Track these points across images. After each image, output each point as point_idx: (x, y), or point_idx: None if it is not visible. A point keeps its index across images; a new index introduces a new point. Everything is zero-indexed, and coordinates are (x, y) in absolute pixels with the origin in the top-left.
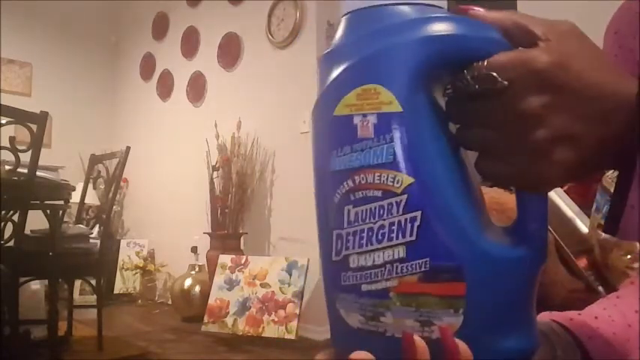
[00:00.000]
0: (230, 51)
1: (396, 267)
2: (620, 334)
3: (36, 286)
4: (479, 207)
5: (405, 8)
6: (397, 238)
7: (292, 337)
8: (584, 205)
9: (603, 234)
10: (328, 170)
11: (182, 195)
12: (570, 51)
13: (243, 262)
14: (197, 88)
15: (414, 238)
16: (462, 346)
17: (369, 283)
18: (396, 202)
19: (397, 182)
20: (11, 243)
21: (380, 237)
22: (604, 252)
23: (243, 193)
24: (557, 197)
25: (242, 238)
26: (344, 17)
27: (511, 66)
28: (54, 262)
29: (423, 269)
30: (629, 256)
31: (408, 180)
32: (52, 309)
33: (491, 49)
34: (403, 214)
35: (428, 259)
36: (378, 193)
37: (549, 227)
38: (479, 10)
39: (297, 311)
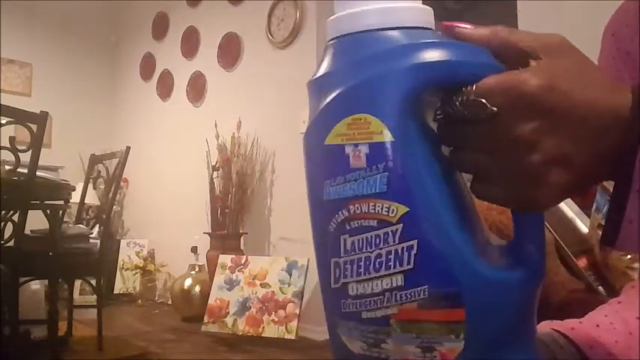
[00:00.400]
0: (230, 51)
1: (395, 295)
2: (622, 342)
3: (36, 286)
4: (475, 229)
5: (394, 33)
6: (395, 266)
7: (292, 337)
8: (584, 205)
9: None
10: (322, 199)
11: (182, 195)
12: (560, 69)
13: (243, 262)
14: (197, 88)
15: (411, 266)
16: None
17: (368, 311)
18: (392, 231)
19: (392, 212)
20: (11, 243)
21: (377, 265)
22: (604, 252)
23: (243, 193)
24: None
25: (242, 238)
26: (330, 42)
27: (499, 91)
28: (54, 262)
29: (421, 297)
30: (629, 256)
31: (402, 209)
32: (52, 309)
33: (482, 74)
34: (399, 242)
35: (426, 286)
36: (374, 223)
37: (549, 227)
38: (465, 28)
39: (297, 311)
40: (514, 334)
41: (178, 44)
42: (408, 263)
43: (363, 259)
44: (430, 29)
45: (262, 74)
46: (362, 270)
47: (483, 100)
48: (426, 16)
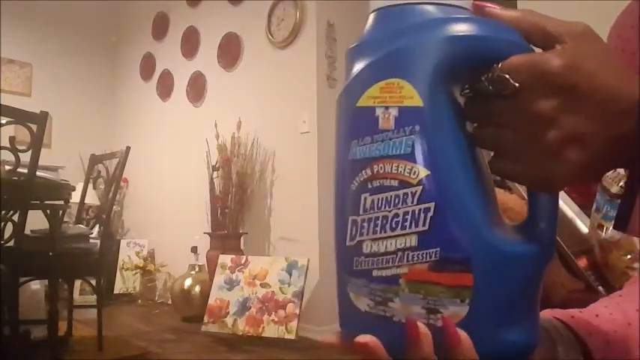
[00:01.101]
0: (230, 51)
1: (407, 255)
2: (620, 332)
3: (36, 286)
4: (491, 203)
5: (430, 8)
6: (410, 227)
7: (292, 337)
8: (584, 205)
9: (603, 234)
10: (348, 158)
11: (182, 195)
12: (583, 53)
13: (243, 262)
14: (197, 88)
15: (426, 228)
16: (463, 335)
17: (380, 269)
18: (412, 192)
19: (413, 173)
20: (11, 243)
21: (394, 225)
22: (604, 252)
23: (243, 193)
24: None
25: (242, 238)
26: (372, 13)
27: (523, 68)
28: (54, 262)
29: (433, 258)
30: (629, 256)
31: (424, 172)
32: (52, 309)
33: (511, 51)
34: (417, 204)
35: (438, 249)
36: (395, 183)
37: None
38: (495, 8)
39: (297, 311)
40: (517, 310)
41: (178, 44)
42: (424, 225)
43: (380, 218)
44: (465, 8)
45: (262, 74)
46: (378, 228)
47: (507, 76)
48: None
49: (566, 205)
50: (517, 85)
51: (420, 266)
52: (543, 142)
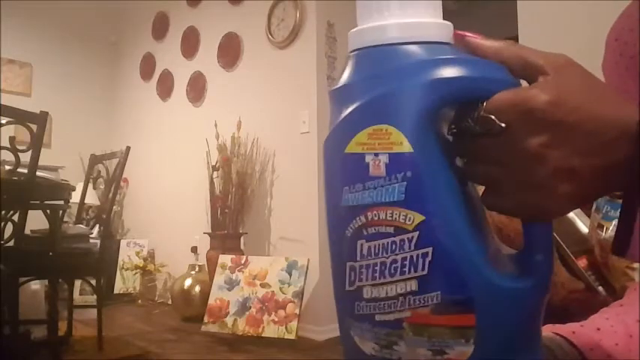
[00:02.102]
0: (230, 51)
1: (409, 299)
2: (622, 345)
3: (36, 286)
4: (487, 237)
5: (414, 48)
6: (409, 272)
7: (292, 337)
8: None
9: (603, 234)
10: (340, 205)
11: (182, 195)
12: (567, 86)
13: (243, 262)
14: (197, 88)
15: (425, 272)
16: None
17: (382, 314)
18: (408, 238)
19: (409, 220)
20: (11, 243)
21: (392, 270)
22: (604, 252)
23: (243, 193)
24: None
25: (242, 238)
26: (352, 53)
27: (509, 108)
28: (54, 262)
29: (434, 302)
30: None
31: (419, 218)
32: (52, 309)
33: (498, 89)
34: (415, 249)
35: (439, 292)
36: (390, 230)
37: None
38: (476, 38)
39: (297, 311)
40: (521, 339)
41: (178, 44)
42: (423, 269)
43: (378, 264)
44: (449, 44)
45: (262, 74)
46: (377, 274)
47: (492, 117)
48: (445, 31)
49: None
50: (503, 125)
51: (422, 310)
52: (533, 177)
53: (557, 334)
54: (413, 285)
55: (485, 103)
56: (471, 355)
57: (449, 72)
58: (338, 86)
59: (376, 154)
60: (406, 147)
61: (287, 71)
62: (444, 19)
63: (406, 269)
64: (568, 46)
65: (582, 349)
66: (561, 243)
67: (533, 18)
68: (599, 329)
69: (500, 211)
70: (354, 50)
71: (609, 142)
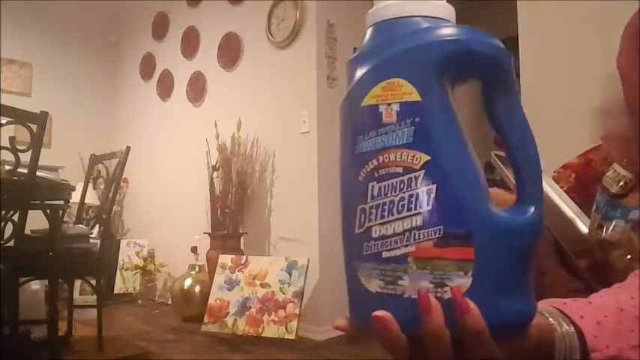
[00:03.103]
0: (230, 51)
1: (414, 234)
2: (611, 317)
3: (36, 286)
4: (484, 184)
5: (420, 19)
6: (415, 208)
7: (292, 337)
8: (584, 205)
9: (603, 234)
10: (355, 153)
11: (182, 195)
12: None
13: (243, 262)
14: (197, 88)
15: (429, 207)
16: (471, 304)
17: (389, 250)
18: (415, 177)
19: (416, 160)
20: (11, 243)
21: (400, 208)
22: (604, 252)
23: (243, 193)
24: (557, 197)
25: (242, 238)
26: (369, 28)
27: None
28: (54, 262)
29: (437, 235)
30: (629, 257)
31: (425, 157)
32: (52, 309)
33: (491, 52)
34: (421, 186)
35: (442, 226)
36: (400, 170)
37: (549, 227)
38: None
39: (297, 311)
40: (515, 280)
41: (178, 44)
42: (427, 205)
43: (387, 203)
44: (449, 20)
45: (262, 74)
46: (386, 213)
47: None
48: (447, 10)
49: (566, 205)
50: None
51: (425, 244)
52: None
53: (551, 305)
54: (418, 220)
55: None
56: (469, 288)
57: (451, 33)
58: (354, 56)
59: (389, 104)
60: (415, 96)
61: (287, 71)
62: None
63: (412, 205)
64: (568, 46)
65: (572, 316)
66: (561, 243)
67: (533, 18)
68: (590, 302)
69: None
70: (371, 25)
71: None
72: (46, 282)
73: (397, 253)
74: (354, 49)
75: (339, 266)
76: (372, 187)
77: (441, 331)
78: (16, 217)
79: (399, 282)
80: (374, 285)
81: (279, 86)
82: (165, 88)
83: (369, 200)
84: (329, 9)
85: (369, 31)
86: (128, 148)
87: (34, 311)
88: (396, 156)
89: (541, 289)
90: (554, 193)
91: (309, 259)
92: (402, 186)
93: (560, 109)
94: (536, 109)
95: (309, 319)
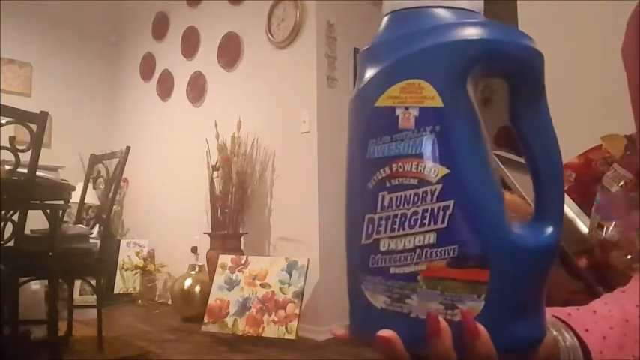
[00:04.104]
0: (230, 51)
1: (426, 251)
2: (616, 329)
3: (36, 286)
4: (503, 200)
5: (443, 11)
6: (429, 224)
7: (292, 337)
8: (584, 205)
9: (603, 234)
10: (364, 158)
11: (182, 195)
12: None
13: (243, 262)
14: (197, 88)
15: (445, 225)
16: (481, 328)
17: (397, 266)
18: (431, 190)
19: (433, 172)
20: (11, 243)
21: (412, 222)
22: (604, 252)
23: (243, 193)
24: None
25: (242, 238)
26: (386, 16)
27: None
28: (54, 262)
29: (451, 255)
30: (629, 256)
31: (443, 171)
32: (52, 309)
33: (520, 53)
34: (437, 202)
35: (456, 245)
36: (414, 181)
37: None
38: None
39: (297, 311)
40: (528, 304)
41: (178, 44)
42: (443, 222)
43: (398, 216)
44: (476, 12)
45: (262, 74)
46: (396, 226)
47: None
48: (476, 1)
49: (566, 205)
50: None
51: (438, 263)
52: None
53: (554, 316)
54: (431, 237)
55: None
56: (481, 312)
57: (479, 33)
58: (369, 46)
59: (407, 108)
60: (437, 101)
61: (287, 71)
62: None
63: (426, 221)
64: (568, 46)
65: (577, 329)
66: (561, 243)
67: (533, 18)
68: (595, 312)
69: None
70: (387, 13)
71: None
72: (46, 282)
73: (406, 270)
74: (355, 49)
75: (339, 266)
76: (383, 196)
77: (448, 353)
78: (16, 217)
79: (407, 300)
80: (379, 300)
81: (279, 86)
82: (165, 88)
83: (378, 210)
84: (329, 9)
85: (385, 20)
86: (128, 148)
87: (34, 311)
88: (411, 166)
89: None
90: None
91: (309, 259)
92: (416, 199)
93: (560, 109)
94: None
95: (309, 319)
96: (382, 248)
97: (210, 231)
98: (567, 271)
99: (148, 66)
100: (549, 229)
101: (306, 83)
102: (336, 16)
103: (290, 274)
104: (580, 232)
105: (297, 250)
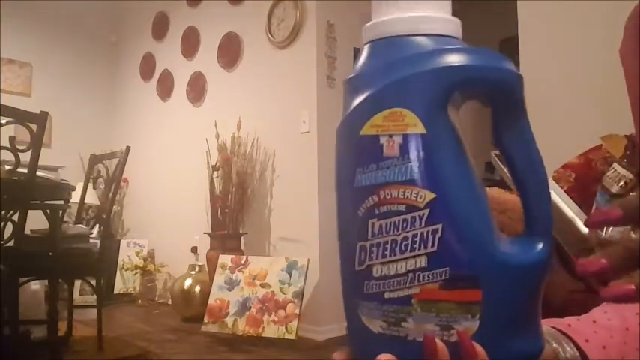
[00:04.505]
0: (230, 51)
1: (418, 275)
2: (617, 337)
3: (36, 286)
4: (491, 219)
5: (424, 39)
6: (419, 248)
7: (292, 337)
8: (584, 205)
9: (603, 234)
10: (353, 186)
11: (182, 195)
12: None
13: (243, 262)
14: (197, 88)
15: (435, 248)
16: (478, 347)
17: (391, 291)
18: (419, 215)
19: (420, 198)
20: (11, 243)
21: (403, 248)
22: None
23: (243, 193)
24: (557, 197)
25: (242, 238)
26: (367, 45)
27: None
28: (54, 262)
29: (443, 277)
30: None
31: (430, 195)
32: (52, 309)
33: (500, 77)
34: (425, 226)
35: (448, 268)
36: (402, 208)
37: None
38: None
39: (297, 311)
40: (523, 320)
41: (178, 44)
42: (432, 245)
43: (389, 242)
44: (456, 38)
45: (262, 74)
46: (388, 252)
47: None
48: (453, 26)
49: (566, 205)
50: None
51: (431, 286)
52: None
53: (554, 327)
54: (422, 261)
55: None
56: (477, 331)
57: (459, 59)
58: (353, 75)
59: (390, 136)
60: (420, 128)
61: (287, 71)
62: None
63: (416, 246)
64: (568, 46)
65: (577, 340)
66: (561, 243)
67: (533, 18)
68: (595, 322)
69: None
70: (369, 42)
71: None
72: (46, 282)
73: (400, 294)
74: (355, 49)
75: (339, 266)
76: (373, 224)
77: None
78: (16, 217)
79: (403, 324)
80: (376, 325)
81: (279, 86)
82: (165, 88)
83: (369, 237)
84: (329, 9)
85: (366, 49)
86: (128, 148)
87: (34, 311)
88: (398, 193)
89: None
90: (554, 193)
91: (309, 259)
92: (405, 225)
93: (560, 109)
94: (536, 109)
95: (309, 319)
96: (375, 274)
97: (210, 231)
98: (567, 271)
99: (148, 66)
100: (539, 245)
101: (306, 83)
102: (336, 16)
103: (290, 274)
104: (580, 232)
105: (297, 250)
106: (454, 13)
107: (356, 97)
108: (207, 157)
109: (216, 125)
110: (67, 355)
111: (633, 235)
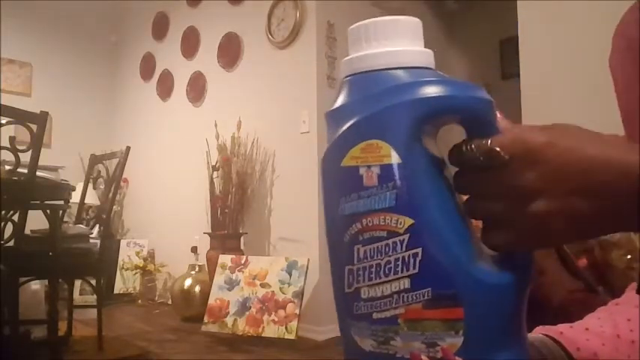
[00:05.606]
0: (230, 51)
1: (403, 296)
2: (608, 345)
3: (36, 286)
4: (470, 237)
5: (399, 72)
6: (402, 271)
7: (292, 337)
8: None
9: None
10: (338, 214)
11: (182, 195)
12: (561, 131)
13: (243, 262)
14: (197, 88)
15: (416, 270)
16: None
17: (379, 312)
18: (400, 240)
19: (400, 224)
20: (11, 243)
21: (387, 271)
22: (604, 252)
23: (243, 193)
24: None
25: (242, 238)
26: (346, 79)
27: (511, 143)
28: (54, 262)
29: (425, 297)
30: (629, 256)
31: (408, 221)
32: (52, 309)
33: (473, 106)
34: (406, 250)
35: (430, 288)
36: (384, 234)
37: None
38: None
39: (297, 311)
40: (506, 333)
41: (178, 44)
42: (414, 268)
43: (374, 266)
44: (430, 68)
45: (262, 74)
46: (373, 275)
47: (498, 149)
48: (426, 57)
49: None
50: (507, 157)
51: (415, 306)
52: (529, 212)
53: (546, 335)
54: (406, 283)
55: (490, 140)
56: (461, 346)
57: (430, 91)
58: (333, 108)
59: (369, 166)
60: (395, 159)
61: (287, 71)
62: (445, 19)
63: (399, 269)
64: (568, 46)
65: (569, 349)
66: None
67: (533, 18)
68: (587, 329)
69: (497, 248)
70: (347, 76)
71: (608, 182)
72: (46, 282)
73: (387, 314)
74: None
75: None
76: (358, 249)
77: None
78: (16, 217)
79: (392, 342)
80: (367, 344)
81: (279, 86)
82: (165, 88)
83: (355, 262)
84: (329, 9)
85: (345, 83)
86: (128, 148)
87: (34, 311)
88: (379, 220)
89: (541, 289)
90: None
91: (309, 259)
92: (387, 249)
93: (560, 109)
94: (536, 109)
95: (309, 319)
96: (363, 296)
97: (210, 231)
98: (567, 270)
99: (148, 66)
100: (518, 262)
101: (306, 83)
102: (336, 16)
103: (290, 274)
104: None
105: (297, 250)
106: (454, 13)
107: (337, 130)
108: (207, 157)
109: (216, 125)
110: (67, 355)
111: (633, 236)
